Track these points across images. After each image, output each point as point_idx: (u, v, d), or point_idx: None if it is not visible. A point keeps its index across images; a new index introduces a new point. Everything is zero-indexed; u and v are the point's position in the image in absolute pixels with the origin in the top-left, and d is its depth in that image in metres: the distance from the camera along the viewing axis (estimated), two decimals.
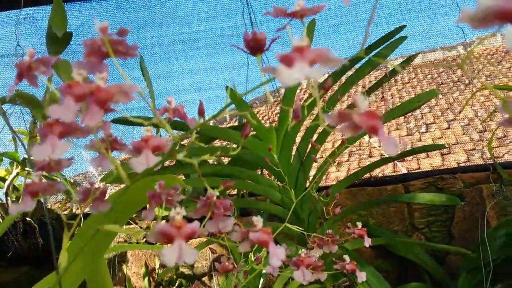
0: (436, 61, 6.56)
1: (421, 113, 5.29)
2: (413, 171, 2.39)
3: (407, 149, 1.28)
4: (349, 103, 6.33)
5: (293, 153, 1.25)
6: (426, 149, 1.24)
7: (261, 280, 1.33)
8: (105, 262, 0.58)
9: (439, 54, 6.43)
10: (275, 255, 0.34)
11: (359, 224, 0.60)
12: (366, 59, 1.08)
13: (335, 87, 1.19)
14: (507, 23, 0.18)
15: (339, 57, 0.24)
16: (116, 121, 1.26)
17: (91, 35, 2.19)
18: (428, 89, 5.96)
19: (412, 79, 6.36)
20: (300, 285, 1.20)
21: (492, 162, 1.68)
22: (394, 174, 2.42)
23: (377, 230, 1.85)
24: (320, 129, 1.24)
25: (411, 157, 4.25)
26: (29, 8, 2.14)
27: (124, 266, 1.77)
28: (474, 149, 4.39)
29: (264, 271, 1.43)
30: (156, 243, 0.36)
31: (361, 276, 0.55)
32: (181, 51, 1.96)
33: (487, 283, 1.29)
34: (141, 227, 1.85)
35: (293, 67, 0.24)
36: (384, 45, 1.09)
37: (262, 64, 1.16)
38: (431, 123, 4.97)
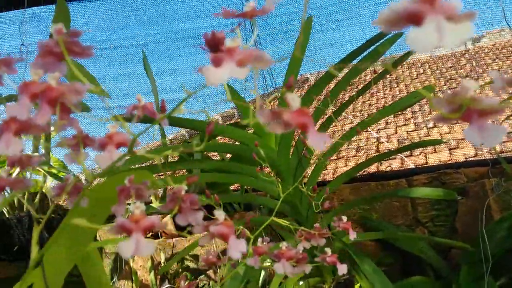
0: (444, 57, 6.51)
1: (430, 108, 5.27)
2: (416, 166, 2.39)
3: (405, 144, 1.27)
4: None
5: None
6: (422, 144, 1.24)
7: (262, 273, 1.35)
8: (98, 255, 0.60)
9: (447, 49, 6.38)
10: (234, 248, 0.35)
11: (344, 218, 0.61)
12: (361, 56, 1.09)
13: (332, 85, 1.20)
14: (411, 25, 0.20)
15: (270, 58, 0.26)
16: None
17: (95, 32, 2.22)
18: (435, 84, 5.90)
19: (420, 74, 6.33)
20: (301, 278, 1.22)
21: (491, 158, 1.69)
22: (398, 169, 2.43)
23: (380, 224, 1.86)
24: (317, 125, 1.25)
25: (419, 152, 4.24)
26: (36, 7, 2.18)
27: (130, 260, 1.80)
28: (483, 143, 4.34)
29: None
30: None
31: (342, 269, 0.56)
32: (184, 47, 1.99)
33: (487, 276, 1.30)
34: None
35: (221, 67, 0.26)
36: (380, 42, 1.09)
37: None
38: None
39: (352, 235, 0.60)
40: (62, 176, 2.18)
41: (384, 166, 4.01)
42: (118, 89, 2.06)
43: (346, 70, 1.25)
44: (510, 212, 1.50)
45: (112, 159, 0.33)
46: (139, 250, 0.29)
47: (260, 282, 1.33)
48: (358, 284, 1.43)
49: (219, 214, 0.37)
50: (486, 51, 6.38)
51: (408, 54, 1.13)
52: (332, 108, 1.10)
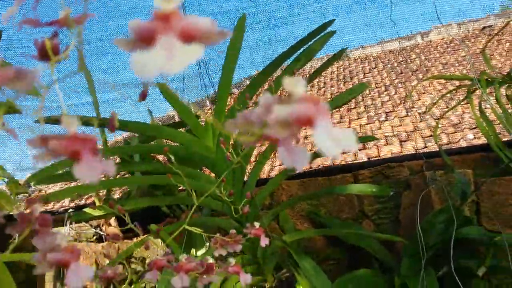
0: (395, 51, 6.67)
1: (381, 102, 5.39)
2: (356, 162, 2.44)
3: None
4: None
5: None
6: (360, 141, 1.26)
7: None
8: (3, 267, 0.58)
9: (397, 43, 6.54)
10: (75, 276, 0.32)
11: (256, 224, 0.60)
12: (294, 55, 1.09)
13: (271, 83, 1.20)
14: (146, 46, 0.18)
15: (33, 76, 0.23)
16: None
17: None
18: (387, 79, 6.02)
19: (373, 69, 6.47)
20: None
21: (421, 152, 1.74)
22: (343, 164, 2.47)
23: (328, 219, 1.89)
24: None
25: (372, 144, 4.34)
26: None
27: None
28: (431, 135, 4.51)
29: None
30: None
31: (245, 279, 0.55)
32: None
33: (423, 269, 1.33)
34: (91, 225, 1.83)
35: None
36: (313, 40, 1.10)
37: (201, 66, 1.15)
38: (390, 112, 5.08)
39: (264, 241, 0.59)
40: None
41: (338, 160, 4.08)
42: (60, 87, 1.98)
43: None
44: (447, 205, 1.55)
45: None
46: None
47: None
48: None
49: (60, 237, 0.36)
50: (434, 45, 6.59)
51: (342, 51, 1.13)
52: None
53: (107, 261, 1.70)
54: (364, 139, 1.12)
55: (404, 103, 5.08)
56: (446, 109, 4.72)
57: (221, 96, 1.16)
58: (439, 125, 4.52)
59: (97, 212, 1.13)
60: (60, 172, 1.06)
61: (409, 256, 1.56)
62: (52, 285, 1.75)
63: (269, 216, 1.23)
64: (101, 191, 1.69)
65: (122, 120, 1.19)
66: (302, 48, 1.10)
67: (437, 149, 1.95)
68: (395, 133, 4.53)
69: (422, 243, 1.31)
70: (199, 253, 1.32)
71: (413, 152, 2.63)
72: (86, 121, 1.18)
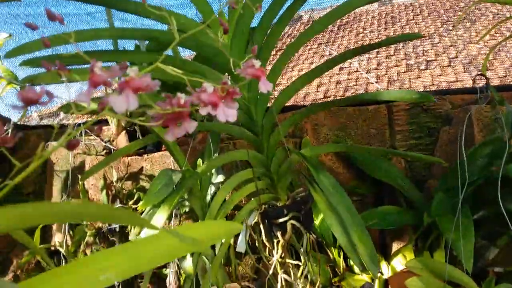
0: None
1: (423, 50, 5.05)
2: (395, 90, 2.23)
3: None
4: None
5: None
6: (401, 39, 1.06)
7: (212, 188, 1.21)
8: None
9: None
10: None
11: (257, 62, 0.44)
12: None
13: None
14: None
15: None
16: None
17: None
18: (431, 26, 5.63)
19: (417, 15, 6.05)
20: (251, 193, 1.08)
21: (479, 85, 1.53)
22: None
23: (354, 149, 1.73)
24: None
25: (415, 88, 4.09)
26: None
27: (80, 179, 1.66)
28: (473, 87, 4.19)
29: (214, 181, 1.31)
30: None
31: (228, 114, 0.39)
32: None
33: (460, 204, 1.16)
34: (102, 139, 1.72)
35: None
36: None
37: None
38: (432, 60, 4.74)
39: (265, 86, 0.43)
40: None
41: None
42: None
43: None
44: (494, 137, 1.36)
45: None
46: None
47: (209, 195, 1.19)
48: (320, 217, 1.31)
49: None
50: None
51: None
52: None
53: (115, 176, 1.60)
54: (408, 36, 0.91)
55: (450, 32, 4.75)
56: (492, 59, 4.37)
57: None
58: (483, 78, 4.19)
59: (91, 106, 0.99)
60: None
61: (443, 191, 1.39)
62: (60, 196, 1.67)
63: (286, 125, 1.08)
64: None
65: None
66: None
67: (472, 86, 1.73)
68: (435, 83, 4.24)
69: (465, 173, 1.13)
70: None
71: (456, 88, 2.39)
72: None
